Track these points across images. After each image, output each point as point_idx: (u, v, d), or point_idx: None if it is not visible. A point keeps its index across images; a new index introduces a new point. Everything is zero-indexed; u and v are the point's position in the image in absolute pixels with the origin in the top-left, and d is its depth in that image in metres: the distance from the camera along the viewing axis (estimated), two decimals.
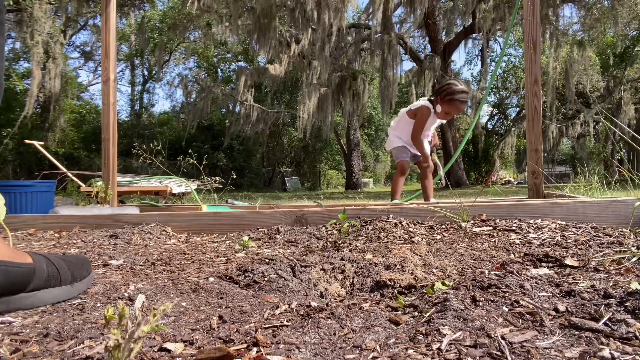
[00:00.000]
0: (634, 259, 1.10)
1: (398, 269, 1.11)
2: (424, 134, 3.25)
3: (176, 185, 5.86)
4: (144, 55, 28.10)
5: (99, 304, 0.88)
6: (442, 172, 3.49)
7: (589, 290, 0.84)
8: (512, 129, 21.20)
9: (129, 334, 0.55)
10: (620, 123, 15.86)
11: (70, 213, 2.62)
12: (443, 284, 1.00)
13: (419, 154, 3.26)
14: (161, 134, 25.11)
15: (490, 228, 1.58)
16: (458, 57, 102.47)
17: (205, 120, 22.76)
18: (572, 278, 0.98)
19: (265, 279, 1.07)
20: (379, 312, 0.79)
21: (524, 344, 0.63)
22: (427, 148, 3.30)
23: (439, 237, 1.55)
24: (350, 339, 0.68)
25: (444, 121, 3.42)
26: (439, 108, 3.16)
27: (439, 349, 0.62)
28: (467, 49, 28.97)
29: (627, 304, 0.75)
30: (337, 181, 32.32)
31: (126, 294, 0.94)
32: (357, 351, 0.64)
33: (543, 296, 0.83)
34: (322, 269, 1.14)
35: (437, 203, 2.08)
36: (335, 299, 1.05)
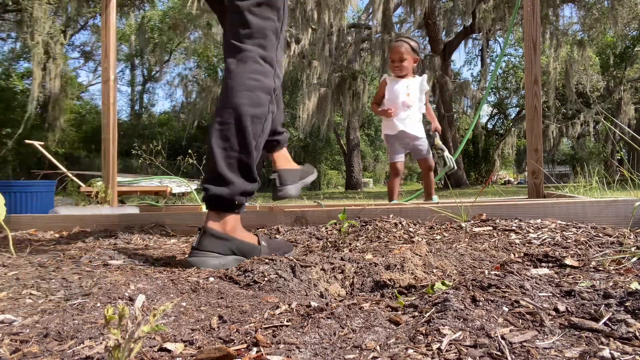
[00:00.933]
0: (634, 259, 1.10)
1: (398, 269, 1.11)
2: (399, 102, 3.14)
3: (176, 185, 5.87)
4: (144, 55, 28.10)
5: (99, 304, 0.88)
6: (447, 155, 3.27)
7: (589, 290, 0.84)
8: (512, 129, 21.20)
9: (129, 334, 0.55)
10: (620, 123, 15.86)
11: (70, 213, 2.62)
12: (443, 284, 1.00)
13: (419, 147, 3.19)
14: (161, 134, 25.13)
15: (490, 228, 1.58)
16: (458, 57, 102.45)
17: (205, 120, 22.76)
18: (572, 278, 0.98)
19: (265, 279, 1.07)
20: (379, 312, 0.79)
21: (524, 344, 0.63)
22: (410, 117, 3.13)
23: (439, 237, 1.55)
24: (350, 339, 0.68)
25: (426, 87, 3.22)
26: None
27: (439, 349, 0.62)
28: (467, 49, 28.97)
29: (627, 304, 0.75)
30: (337, 181, 32.33)
31: (126, 294, 0.94)
32: (357, 351, 0.64)
33: (543, 296, 0.83)
34: (322, 269, 1.14)
35: (437, 203, 2.08)
36: (335, 299, 1.05)
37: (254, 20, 1.38)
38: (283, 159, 1.77)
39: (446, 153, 3.28)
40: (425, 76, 3.31)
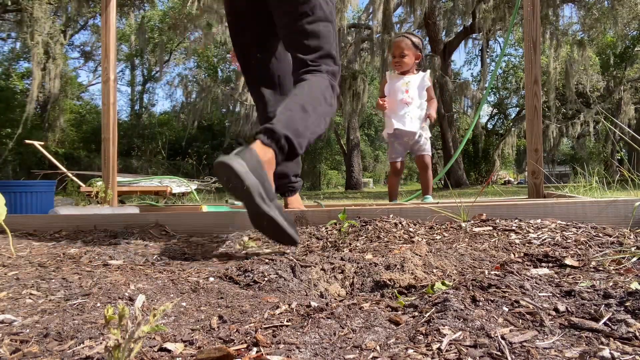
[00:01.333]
0: (634, 259, 1.10)
1: (398, 269, 1.11)
2: (397, 98, 3.15)
3: (176, 185, 5.87)
4: (144, 55, 28.10)
5: (99, 304, 0.88)
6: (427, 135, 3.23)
7: (589, 290, 0.84)
8: (512, 129, 21.20)
9: (129, 334, 0.55)
10: (620, 123, 15.86)
11: (70, 213, 2.62)
12: (443, 284, 1.00)
13: (417, 144, 3.17)
14: (161, 134, 25.12)
15: (490, 228, 1.58)
16: (458, 57, 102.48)
17: (205, 120, 22.76)
18: (572, 278, 0.98)
19: (265, 279, 1.07)
20: (379, 312, 0.79)
21: (524, 344, 0.63)
22: (408, 114, 3.11)
23: (439, 237, 1.55)
24: (350, 339, 0.68)
25: (428, 83, 3.22)
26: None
27: (439, 349, 0.62)
28: (467, 49, 28.95)
29: (627, 304, 0.75)
30: (337, 181, 32.35)
31: (126, 294, 0.94)
32: (357, 351, 0.64)
33: (543, 296, 0.83)
34: (322, 269, 1.14)
35: (437, 203, 2.08)
36: (335, 299, 1.05)
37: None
38: (296, 202, 2.28)
39: (426, 133, 3.22)
40: (427, 72, 3.28)
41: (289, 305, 0.86)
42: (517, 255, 1.25)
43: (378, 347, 0.65)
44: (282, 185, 2.29)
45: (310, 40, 1.77)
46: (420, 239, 1.53)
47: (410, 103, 3.14)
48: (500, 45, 22.33)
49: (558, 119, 19.29)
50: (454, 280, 1.06)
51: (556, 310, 0.76)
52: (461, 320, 0.70)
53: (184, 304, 0.91)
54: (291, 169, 2.26)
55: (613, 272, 1.02)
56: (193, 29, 17.36)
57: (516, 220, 1.64)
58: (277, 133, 1.47)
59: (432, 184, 3.27)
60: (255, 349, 0.65)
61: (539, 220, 1.62)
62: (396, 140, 3.18)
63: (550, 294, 0.83)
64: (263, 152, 1.44)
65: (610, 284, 0.91)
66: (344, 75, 15.60)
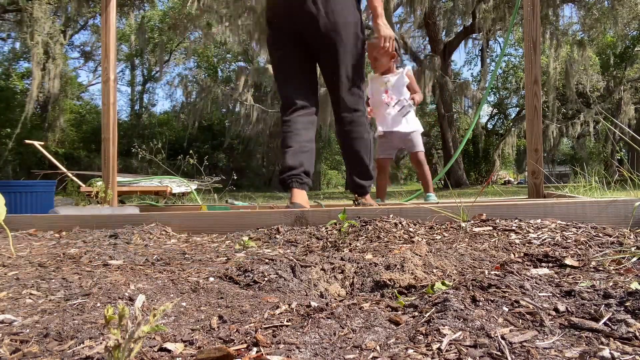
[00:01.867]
0: (634, 259, 1.10)
1: (398, 269, 1.11)
2: (378, 99, 3.18)
3: (176, 185, 5.87)
4: (144, 55, 28.08)
5: (99, 304, 0.88)
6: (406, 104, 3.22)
7: (589, 290, 0.84)
8: (512, 129, 21.18)
9: (129, 334, 0.55)
10: (620, 123, 15.85)
11: (70, 213, 2.62)
12: (443, 284, 1.00)
13: (407, 142, 3.18)
14: (161, 134, 25.10)
15: (490, 228, 1.58)
16: (458, 57, 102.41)
17: (205, 120, 22.73)
18: (572, 278, 0.98)
19: (265, 279, 1.07)
20: (379, 312, 0.79)
21: (524, 344, 0.63)
22: (391, 114, 3.14)
23: (439, 237, 1.55)
24: (350, 339, 0.68)
25: (407, 80, 3.21)
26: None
27: (439, 349, 0.62)
28: (467, 49, 28.90)
29: (627, 304, 0.75)
30: (337, 181, 32.35)
31: (126, 294, 0.94)
32: (357, 351, 0.64)
33: (543, 296, 0.83)
34: (322, 269, 1.14)
35: (437, 203, 2.08)
36: (335, 299, 1.05)
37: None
38: (301, 198, 2.35)
39: (406, 104, 3.18)
40: (405, 69, 3.27)
41: (289, 305, 0.86)
42: (517, 255, 1.25)
43: (378, 347, 0.65)
44: (286, 178, 2.37)
45: (350, 84, 2.40)
46: (420, 239, 1.53)
47: (390, 103, 3.17)
48: (500, 45, 22.33)
49: (558, 119, 19.28)
50: (454, 280, 1.06)
51: (556, 310, 0.76)
52: (461, 320, 0.70)
53: (184, 304, 0.91)
54: (304, 164, 2.41)
55: (613, 272, 1.02)
56: (193, 29, 17.36)
57: (516, 220, 1.64)
58: (365, 188, 2.52)
59: (431, 180, 3.26)
60: (255, 349, 0.65)
61: (539, 220, 1.62)
62: (384, 140, 3.23)
63: (550, 294, 0.83)
64: (369, 201, 2.48)
65: (610, 284, 0.91)
66: None
